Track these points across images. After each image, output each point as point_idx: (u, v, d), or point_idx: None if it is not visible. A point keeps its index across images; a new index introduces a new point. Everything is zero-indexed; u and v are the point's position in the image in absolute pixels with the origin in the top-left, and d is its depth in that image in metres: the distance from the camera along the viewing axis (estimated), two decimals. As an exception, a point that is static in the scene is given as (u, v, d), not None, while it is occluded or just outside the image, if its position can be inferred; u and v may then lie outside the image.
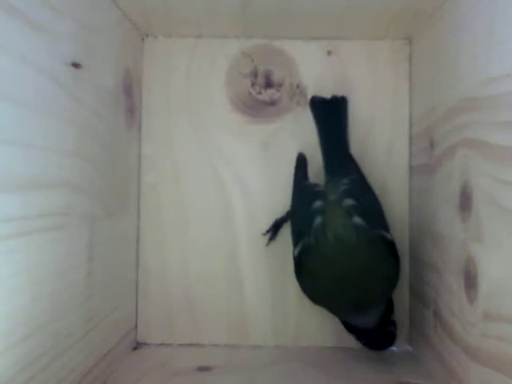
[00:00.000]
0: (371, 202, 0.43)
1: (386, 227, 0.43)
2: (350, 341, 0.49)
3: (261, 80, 0.51)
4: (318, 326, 0.50)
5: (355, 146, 0.50)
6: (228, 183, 0.51)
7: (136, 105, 0.49)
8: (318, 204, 0.43)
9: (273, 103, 0.51)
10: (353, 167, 0.45)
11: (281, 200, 0.50)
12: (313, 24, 0.47)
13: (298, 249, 0.43)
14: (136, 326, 0.50)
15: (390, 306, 0.42)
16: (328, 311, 0.44)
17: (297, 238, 0.44)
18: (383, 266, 0.41)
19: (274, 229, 0.50)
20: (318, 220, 0.42)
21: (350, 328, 0.44)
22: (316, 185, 0.45)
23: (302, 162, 0.47)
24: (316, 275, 0.41)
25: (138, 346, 0.49)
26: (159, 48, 0.51)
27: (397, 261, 0.42)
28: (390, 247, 0.41)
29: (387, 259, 0.41)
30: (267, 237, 0.50)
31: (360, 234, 0.40)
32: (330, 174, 0.45)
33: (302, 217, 0.44)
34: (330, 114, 0.48)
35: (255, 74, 0.51)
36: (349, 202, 0.42)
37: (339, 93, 0.50)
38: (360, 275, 0.39)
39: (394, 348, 0.49)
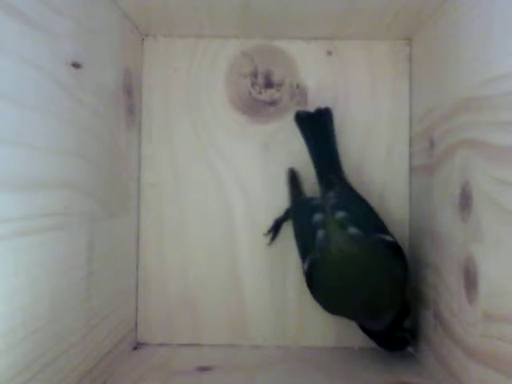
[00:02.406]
0: (362, 209, 0.44)
1: (383, 230, 0.43)
2: (350, 341, 0.49)
3: (261, 80, 0.51)
4: (318, 326, 0.50)
5: (355, 147, 0.50)
6: (228, 183, 0.51)
7: (136, 105, 0.49)
8: (317, 217, 0.43)
9: (273, 103, 0.51)
10: (337, 179, 0.45)
11: (281, 200, 0.50)
12: (313, 24, 0.47)
13: (306, 264, 0.43)
14: (136, 326, 0.50)
15: (402, 312, 0.43)
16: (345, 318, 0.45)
17: (303, 253, 0.44)
18: (388, 268, 0.41)
19: (275, 228, 0.50)
20: (321, 233, 0.42)
21: (363, 329, 0.45)
22: (312, 198, 0.46)
23: (293, 178, 0.48)
24: (327, 287, 0.42)
25: (137, 346, 0.49)
26: (159, 48, 0.51)
27: (402, 260, 0.42)
28: (392, 248, 0.42)
29: (391, 260, 0.41)
30: (268, 237, 0.50)
31: (359, 243, 0.41)
32: (322, 187, 0.46)
33: (304, 231, 0.44)
34: (316, 127, 0.48)
35: (255, 74, 0.51)
36: (340, 214, 0.42)
37: (339, 93, 0.50)
38: (367, 282, 0.40)
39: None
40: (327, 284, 0.42)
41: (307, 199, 0.46)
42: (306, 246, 0.44)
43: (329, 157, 0.47)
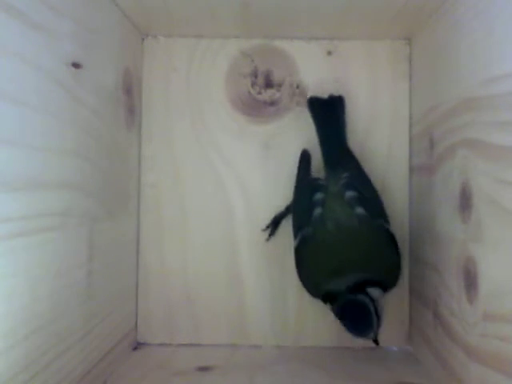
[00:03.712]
0: (372, 194, 0.44)
1: (386, 219, 0.43)
2: (350, 341, 0.49)
3: (261, 80, 0.51)
4: (318, 326, 0.50)
5: (355, 146, 0.50)
6: (228, 183, 0.51)
7: (136, 105, 0.49)
8: (318, 196, 0.43)
9: (273, 103, 0.51)
10: (352, 161, 0.46)
11: (281, 200, 0.50)
12: (313, 24, 0.47)
13: (297, 240, 0.43)
14: (136, 326, 0.50)
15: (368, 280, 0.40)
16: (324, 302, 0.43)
17: (297, 229, 0.44)
18: (385, 251, 0.41)
19: (274, 224, 0.50)
20: (318, 211, 0.43)
21: (327, 296, 0.41)
22: (317, 178, 0.46)
23: (305, 158, 0.48)
24: (314, 264, 0.42)
25: (138, 345, 0.49)
26: (159, 48, 0.51)
27: (398, 251, 0.42)
28: (392, 238, 0.42)
29: (389, 247, 0.42)
30: (267, 232, 0.50)
31: (363, 223, 0.41)
32: (330, 169, 0.46)
33: (302, 209, 0.44)
34: (328, 113, 0.48)
35: (255, 74, 0.51)
36: (350, 193, 0.43)
37: (339, 93, 0.50)
38: (360, 255, 0.40)
39: (394, 348, 0.49)
40: (315, 260, 0.42)
41: (312, 179, 0.46)
42: (300, 224, 0.44)
43: (339, 141, 0.47)
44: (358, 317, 0.39)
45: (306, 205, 0.44)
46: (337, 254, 0.41)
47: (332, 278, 0.40)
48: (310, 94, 0.50)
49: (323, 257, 0.41)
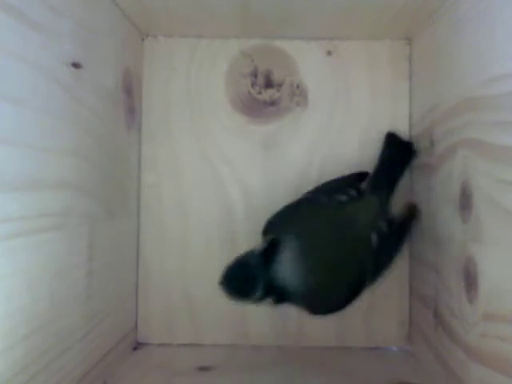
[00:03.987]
0: (390, 249, 0.43)
1: (378, 275, 0.42)
2: (350, 341, 0.49)
3: (261, 80, 0.51)
4: (319, 326, 0.50)
5: (355, 147, 0.50)
6: (228, 183, 0.51)
7: (136, 105, 0.49)
8: (340, 197, 0.43)
9: (273, 103, 0.51)
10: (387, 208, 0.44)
11: (281, 200, 0.49)
12: (313, 24, 0.47)
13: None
14: (136, 326, 0.50)
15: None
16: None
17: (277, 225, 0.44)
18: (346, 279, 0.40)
19: None
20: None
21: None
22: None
23: (355, 177, 0.46)
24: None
25: (138, 345, 0.49)
26: (159, 48, 0.51)
27: (349, 297, 0.41)
28: (359, 284, 0.41)
29: (352, 284, 0.40)
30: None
31: (366, 250, 0.40)
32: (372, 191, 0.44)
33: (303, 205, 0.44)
34: (399, 153, 0.48)
35: (255, 74, 0.51)
36: (382, 222, 0.42)
37: (339, 93, 0.50)
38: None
39: (394, 348, 0.49)
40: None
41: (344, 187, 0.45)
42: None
43: (391, 183, 0.46)
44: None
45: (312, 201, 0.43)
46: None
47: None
48: (310, 93, 0.51)
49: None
